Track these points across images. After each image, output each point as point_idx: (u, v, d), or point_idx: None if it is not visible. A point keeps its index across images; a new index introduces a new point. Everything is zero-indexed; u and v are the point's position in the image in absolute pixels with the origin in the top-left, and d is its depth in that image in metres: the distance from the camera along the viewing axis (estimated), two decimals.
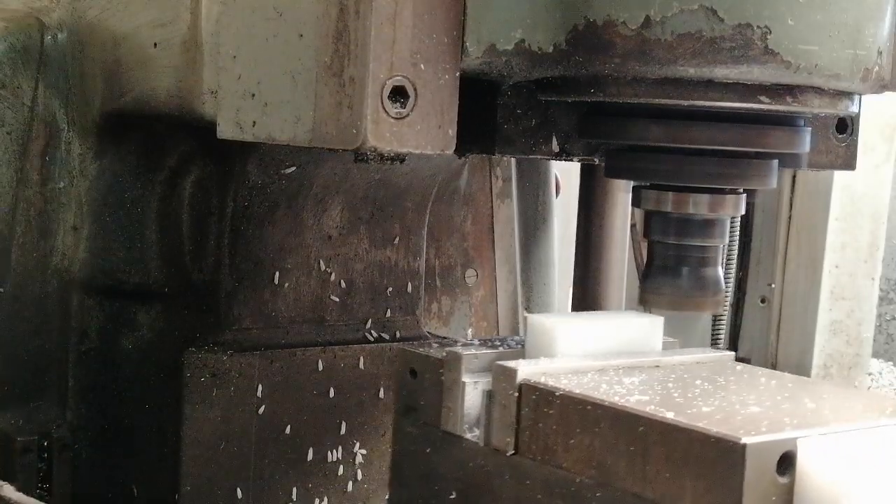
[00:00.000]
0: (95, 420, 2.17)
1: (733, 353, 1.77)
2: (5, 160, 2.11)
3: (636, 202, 1.78)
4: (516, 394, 1.52)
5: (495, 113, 1.70)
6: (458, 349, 1.60)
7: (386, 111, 1.47)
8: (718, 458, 1.31)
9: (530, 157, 1.79)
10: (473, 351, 1.60)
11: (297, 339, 2.17)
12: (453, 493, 1.60)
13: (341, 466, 2.21)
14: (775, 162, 1.73)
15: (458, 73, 1.53)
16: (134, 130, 2.10)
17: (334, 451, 2.20)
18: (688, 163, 1.67)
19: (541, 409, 1.49)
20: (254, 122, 1.62)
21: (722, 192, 1.72)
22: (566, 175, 3.10)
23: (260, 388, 2.11)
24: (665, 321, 1.73)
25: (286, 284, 2.16)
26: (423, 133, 1.51)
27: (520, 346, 1.67)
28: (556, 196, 2.89)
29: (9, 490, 1.86)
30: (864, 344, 3.59)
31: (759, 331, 3.50)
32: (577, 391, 1.47)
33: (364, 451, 2.23)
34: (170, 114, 1.91)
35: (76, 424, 2.17)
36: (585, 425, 1.44)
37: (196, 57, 1.80)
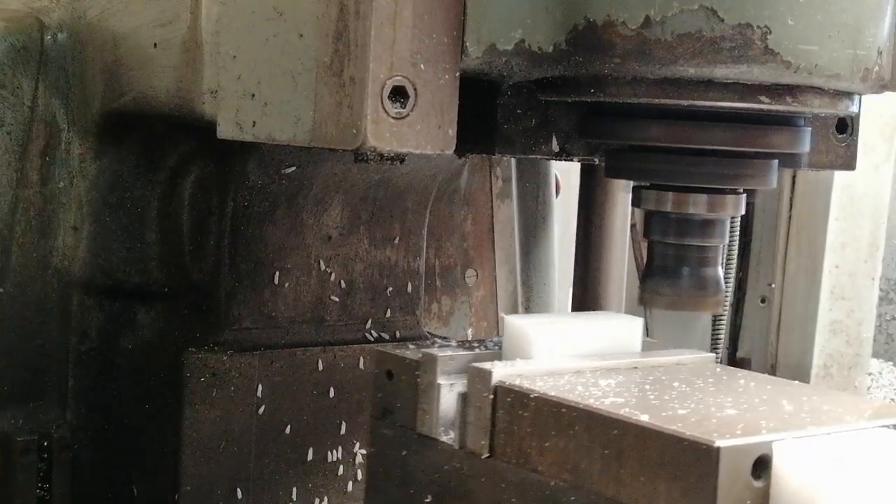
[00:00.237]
0: (95, 420, 2.17)
1: (714, 354, 1.76)
2: (5, 160, 2.10)
3: (636, 202, 1.77)
4: (491, 396, 1.49)
5: (495, 113, 1.69)
6: (435, 350, 1.57)
7: (386, 111, 1.47)
8: (692, 461, 1.29)
9: (530, 157, 1.78)
10: (450, 353, 1.57)
11: (297, 339, 2.17)
12: (429, 496, 1.58)
13: (341, 466, 2.21)
14: (775, 162, 1.73)
15: (458, 73, 1.53)
16: (134, 130, 2.10)
17: (334, 451, 2.20)
18: (688, 163, 1.67)
19: (516, 412, 1.47)
20: (254, 122, 1.62)
21: (722, 192, 1.71)
22: (566, 175, 3.09)
23: (260, 388, 2.11)
24: (665, 321, 1.73)
25: (286, 284, 2.16)
26: (423, 133, 1.50)
27: (498, 347, 1.64)
28: (556, 196, 2.89)
29: None
30: (864, 344, 3.59)
31: (759, 331, 3.50)
32: (552, 393, 1.45)
33: (364, 451, 2.23)
34: (170, 114, 1.91)
35: (76, 424, 2.17)
36: (560, 428, 1.42)
37: (196, 57, 1.80)
